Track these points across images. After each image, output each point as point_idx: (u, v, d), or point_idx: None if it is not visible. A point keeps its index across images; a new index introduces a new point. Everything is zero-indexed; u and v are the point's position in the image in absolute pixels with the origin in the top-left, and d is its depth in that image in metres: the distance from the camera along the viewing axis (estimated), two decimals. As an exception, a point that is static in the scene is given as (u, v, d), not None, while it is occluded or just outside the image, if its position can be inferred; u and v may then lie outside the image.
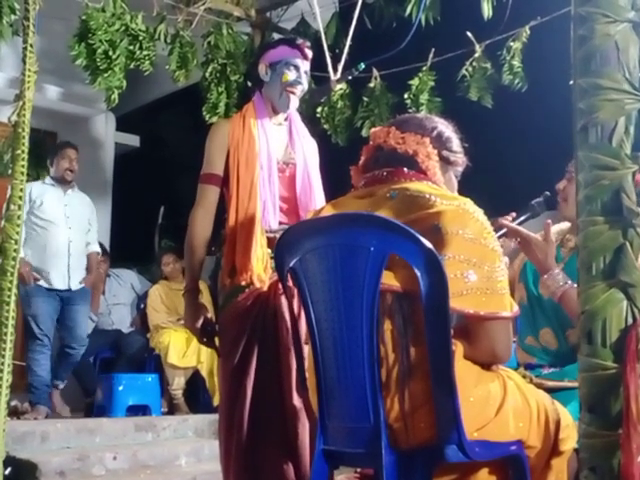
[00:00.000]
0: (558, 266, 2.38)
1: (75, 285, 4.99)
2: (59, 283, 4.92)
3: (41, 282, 4.87)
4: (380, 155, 1.94)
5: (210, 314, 2.66)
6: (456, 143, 2.00)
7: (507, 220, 2.32)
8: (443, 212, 1.71)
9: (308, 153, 2.72)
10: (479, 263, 1.70)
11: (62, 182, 5.01)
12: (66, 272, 4.94)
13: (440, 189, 1.84)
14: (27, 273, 4.75)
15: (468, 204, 1.76)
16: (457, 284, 1.67)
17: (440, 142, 1.96)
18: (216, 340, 2.68)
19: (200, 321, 2.59)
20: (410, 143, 1.92)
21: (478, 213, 1.76)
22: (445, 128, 1.99)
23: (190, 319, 2.60)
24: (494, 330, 1.73)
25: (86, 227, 5.14)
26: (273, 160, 2.64)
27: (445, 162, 1.96)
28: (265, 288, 2.53)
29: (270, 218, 2.59)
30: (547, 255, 2.28)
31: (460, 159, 2.00)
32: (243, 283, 2.52)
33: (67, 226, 4.97)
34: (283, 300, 2.49)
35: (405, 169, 1.89)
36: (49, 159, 5.09)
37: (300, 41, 2.71)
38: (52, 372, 4.92)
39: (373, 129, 2.05)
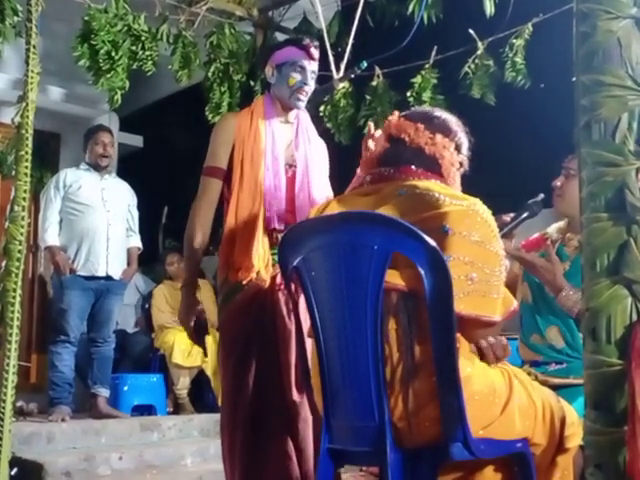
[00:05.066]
0: (564, 265, 2.39)
1: (114, 273, 4.79)
2: (97, 269, 4.71)
3: (78, 272, 4.67)
4: (401, 151, 1.91)
5: (205, 311, 2.67)
6: (466, 146, 2.00)
7: (506, 218, 2.32)
8: (451, 212, 1.71)
9: (311, 155, 2.70)
10: (482, 266, 1.70)
11: (98, 167, 4.86)
12: (105, 257, 4.73)
13: (449, 188, 1.83)
14: (63, 261, 4.63)
15: (477, 205, 1.75)
16: (460, 286, 1.67)
17: (459, 148, 1.96)
18: (206, 338, 2.70)
19: (193, 316, 2.59)
20: (439, 146, 1.90)
21: (487, 214, 1.75)
22: (462, 132, 1.99)
23: (184, 313, 2.60)
24: (483, 331, 1.77)
25: (126, 213, 4.96)
26: (279, 160, 2.63)
27: (458, 168, 1.96)
28: (266, 285, 2.54)
29: (275, 217, 2.59)
30: (555, 275, 2.29)
31: (466, 162, 2.00)
32: (244, 282, 2.53)
33: (105, 209, 4.79)
34: (281, 296, 2.50)
35: (413, 166, 1.88)
36: (83, 144, 4.95)
37: (307, 41, 2.68)
38: (90, 378, 4.75)
39: (392, 118, 2.00)
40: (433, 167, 1.89)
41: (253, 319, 2.51)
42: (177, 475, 4.07)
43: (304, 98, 2.66)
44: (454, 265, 1.67)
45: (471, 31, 4.83)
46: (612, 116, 1.39)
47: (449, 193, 1.77)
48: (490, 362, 1.78)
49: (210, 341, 4.29)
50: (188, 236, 2.60)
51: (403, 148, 1.92)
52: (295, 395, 2.44)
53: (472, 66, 4.89)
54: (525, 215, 2.34)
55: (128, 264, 4.98)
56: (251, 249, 2.52)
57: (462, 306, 1.67)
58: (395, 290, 1.70)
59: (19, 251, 2.25)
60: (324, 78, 2.85)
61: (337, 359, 1.79)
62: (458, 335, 1.70)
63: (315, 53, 2.67)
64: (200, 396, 5.51)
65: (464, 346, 1.73)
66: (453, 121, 1.99)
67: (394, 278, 1.70)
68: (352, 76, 3.23)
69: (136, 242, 5.08)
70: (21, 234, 2.25)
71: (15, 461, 2.78)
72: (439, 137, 1.91)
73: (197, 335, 2.64)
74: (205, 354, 2.79)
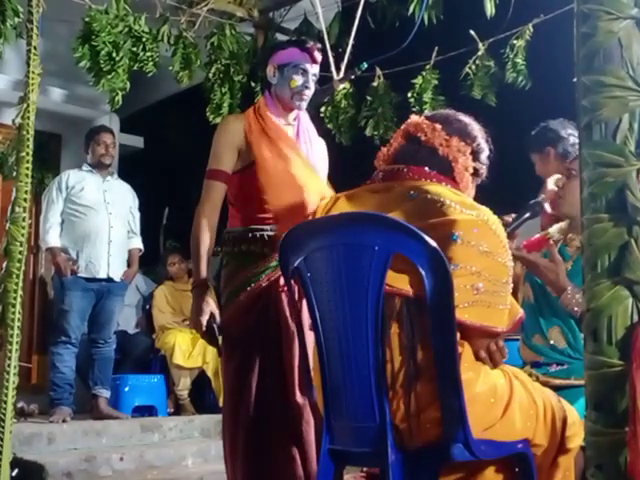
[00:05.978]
0: (566, 265, 2.38)
1: (115, 275, 4.81)
2: (99, 272, 4.73)
3: (80, 273, 4.69)
4: (416, 149, 1.92)
5: (217, 311, 2.64)
6: (486, 154, 1.99)
7: (508, 218, 2.32)
8: (461, 221, 1.70)
9: (312, 157, 2.70)
10: (489, 277, 1.70)
11: (100, 168, 4.88)
12: (106, 259, 4.75)
13: (461, 195, 1.82)
14: (64, 263, 4.64)
15: (487, 215, 1.75)
16: (465, 295, 1.67)
17: (476, 155, 1.95)
18: (219, 339, 2.68)
19: (206, 316, 2.56)
20: (453, 149, 1.90)
21: (497, 225, 1.75)
22: (482, 139, 1.97)
23: (196, 314, 2.57)
24: (488, 340, 1.77)
25: (127, 214, 4.98)
26: None
27: (474, 174, 1.95)
28: (264, 284, 2.53)
29: (277, 219, 2.58)
30: (558, 275, 2.27)
31: (485, 171, 2.00)
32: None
33: (107, 212, 4.81)
34: (284, 297, 2.49)
35: (426, 168, 1.87)
36: (84, 145, 4.97)
37: (310, 44, 2.67)
38: (91, 379, 4.76)
39: (414, 117, 2.00)
40: (446, 170, 1.88)
41: (256, 319, 2.51)
42: (178, 476, 4.07)
43: (306, 99, 2.66)
44: (461, 274, 1.67)
45: (472, 32, 4.83)
46: (613, 117, 1.39)
47: (460, 200, 1.76)
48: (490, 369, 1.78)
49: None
50: (194, 238, 2.58)
51: (418, 147, 1.92)
52: (298, 396, 2.44)
53: (473, 67, 4.88)
54: (527, 215, 2.34)
55: (129, 265, 5.00)
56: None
57: (466, 315, 1.67)
58: (400, 295, 1.70)
59: (20, 252, 2.25)
60: (324, 79, 2.86)
61: (338, 359, 1.79)
62: (463, 340, 1.70)
63: (318, 56, 2.66)
64: (201, 397, 5.51)
65: (468, 350, 1.73)
66: (474, 127, 1.98)
67: (401, 283, 1.69)
68: (353, 77, 3.23)
69: (137, 243, 5.10)
70: (22, 235, 2.25)
71: (16, 462, 2.78)
72: (455, 140, 1.91)
73: (211, 334, 2.62)
74: (219, 354, 2.74)
